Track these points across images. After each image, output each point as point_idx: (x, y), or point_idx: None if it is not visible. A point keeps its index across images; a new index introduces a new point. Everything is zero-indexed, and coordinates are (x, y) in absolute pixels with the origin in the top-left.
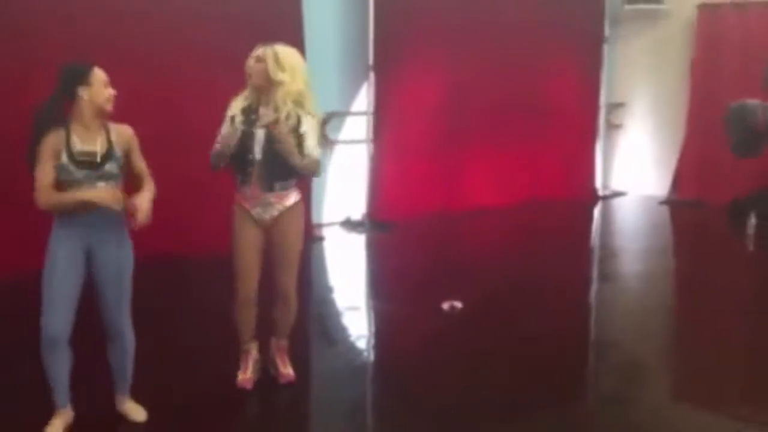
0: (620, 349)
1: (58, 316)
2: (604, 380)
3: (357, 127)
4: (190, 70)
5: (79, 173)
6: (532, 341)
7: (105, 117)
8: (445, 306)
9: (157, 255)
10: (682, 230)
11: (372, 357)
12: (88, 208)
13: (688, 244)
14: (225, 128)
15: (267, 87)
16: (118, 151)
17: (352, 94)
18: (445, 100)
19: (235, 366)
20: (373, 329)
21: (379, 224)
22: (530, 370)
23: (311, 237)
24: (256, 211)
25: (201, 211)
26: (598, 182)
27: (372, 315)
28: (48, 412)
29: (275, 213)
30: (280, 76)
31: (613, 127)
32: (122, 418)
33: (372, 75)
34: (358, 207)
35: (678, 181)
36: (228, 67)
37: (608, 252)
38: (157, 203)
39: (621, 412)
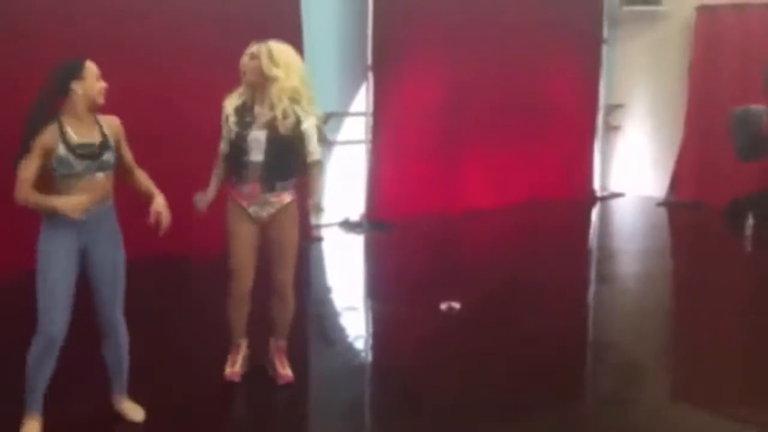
0: (619, 350)
1: (58, 317)
2: (603, 381)
3: (356, 127)
4: (190, 70)
5: (79, 165)
6: (530, 342)
7: (98, 109)
8: (443, 306)
9: (157, 255)
10: (680, 231)
11: (370, 357)
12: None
13: (686, 245)
14: (224, 129)
15: (261, 84)
16: (111, 142)
17: (350, 94)
18: (444, 101)
19: None
20: (371, 330)
21: (378, 225)
22: (528, 370)
23: (310, 237)
24: (253, 209)
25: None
26: (597, 183)
27: (370, 315)
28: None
29: (272, 210)
30: (275, 72)
31: (612, 128)
32: (119, 418)
33: (371, 75)
34: (356, 207)
35: (676, 182)
36: (227, 67)
37: (606, 253)
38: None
39: (619, 412)
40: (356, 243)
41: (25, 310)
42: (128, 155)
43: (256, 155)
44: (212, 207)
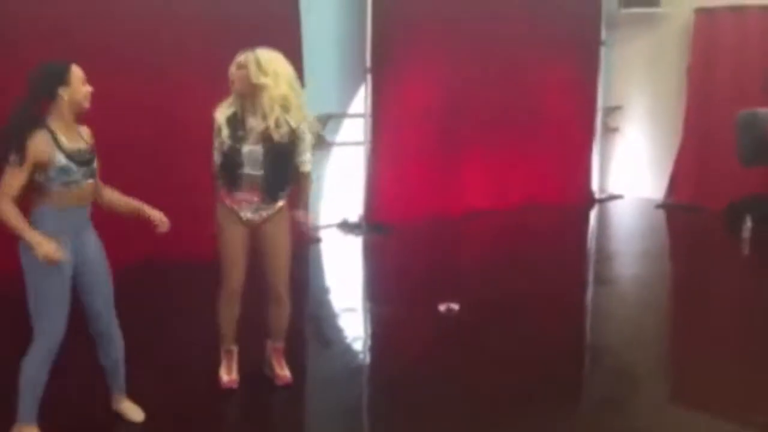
0: (617, 352)
1: (62, 323)
2: (601, 383)
3: (354, 129)
4: (187, 73)
5: (79, 172)
6: (528, 344)
7: (83, 115)
8: (442, 308)
9: (148, 260)
10: (678, 234)
11: (368, 359)
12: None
13: (684, 248)
14: (216, 141)
15: (251, 93)
16: (92, 148)
17: (349, 96)
18: (443, 103)
19: None
20: (369, 331)
21: (376, 226)
22: (526, 372)
23: (308, 239)
24: (245, 213)
25: (197, 215)
26: (595, 185)
27: (369, 317)
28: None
29: (264, 215)
30: (263, 80)
31: (610, 130)
32: (114, 421)
33: (369, 77)
34: (355, 209)
35: (674, 184)
36: (225, 71)
37: (604, 255)
38: (154, 207)
39: (617, 415)
40: (355, 244)
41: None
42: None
43: (252, 169)
44: (204, 212)
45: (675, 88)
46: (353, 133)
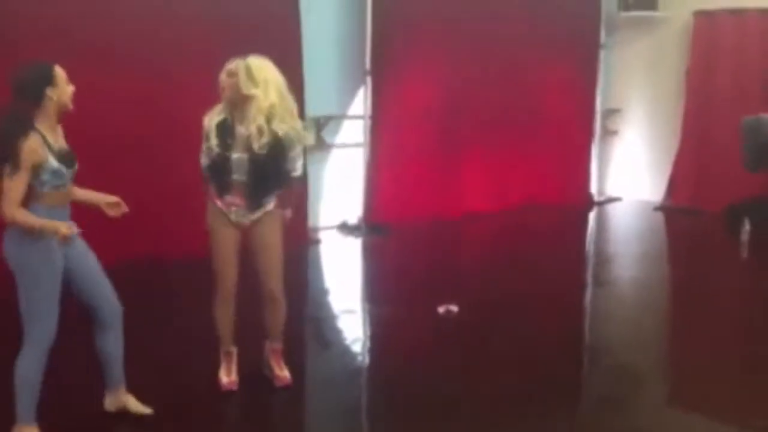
0: (615, 354)
1: (54, 324)
2: (600, 384)
3: (354, 130)
4: (187, 73)
5: (67, 174)
6: (528, 344)
7: (66, 115)
8: (441, 309)
9: (141, 258)
10: (677, 236)
11: (367, 360)
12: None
13: (683, 250)
14: (204, 158)
15: (241, 101)
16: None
17: (349, 97)
18: (442, 105)
19: None
20: (368, 332)
21: (376, 228)
22: (526, 372)
23: (307, 240)
24: (235, 215)
25: (197, 214)
26: (594, 187)
27: (368, 318)
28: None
29: (253, 217)
30: (252, 90)
31: (609, 132)
32: (118, 417)
33: (369, 79)
34: (354, 211)
35: (673, 186)
36: None
37: (603, 257)
38: (153, 206)
39: (617, 415)
40: (354, 246)
41: None
42: None
43: (238, 176)
44: (203, 211)
45: (674, 91)
46: (353, 134)
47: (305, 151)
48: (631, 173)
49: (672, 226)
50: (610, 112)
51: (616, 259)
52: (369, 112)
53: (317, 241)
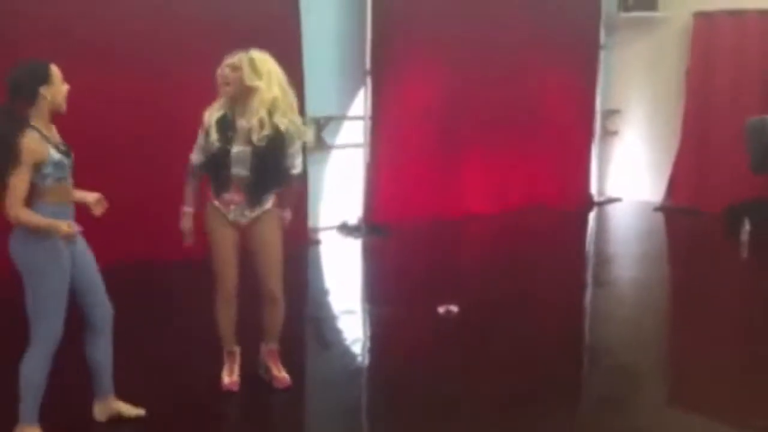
0: (615, 354)
1: (60, 325)
2: (600, 385)
3: (354, 131)
4: (187, 73)
5: (68, 164)
6: (527, 345)
7: (61, 115)
8: (441, 310)
9: (141, 260)
10: (677, 236)
11: (367, 361)
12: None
13: (683, 250)
14: (197, 153)
15: (244, 95)
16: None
17: (349, 98)
18: (442, 105)
19: None
20: (368, 333)
21: (376, 228)
22: (525, 374)
23: (307, 240)
24: (233, 214)
25: (197, 215)
26: (594, 188)
27: (368, 319)
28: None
29: (252, 217)
30: (257, 82)
31: (609, 133)
32: (116, 419)
33: (369, 79)
34: (354, 211)
35: (673, 187)
36: None
37: (603, 257)
38: (153, 207)
39: (617, 415)
40: (354, 246)
41: None
42: None
43: (240, 170)
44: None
45: (674, 92)
46: (353, 135)
47: (305, 150)
48: (631, 174)
49: (672, 226)
50: (610, 113)
51: (616, 260)
52: (369, 112)
53: (317, 242)
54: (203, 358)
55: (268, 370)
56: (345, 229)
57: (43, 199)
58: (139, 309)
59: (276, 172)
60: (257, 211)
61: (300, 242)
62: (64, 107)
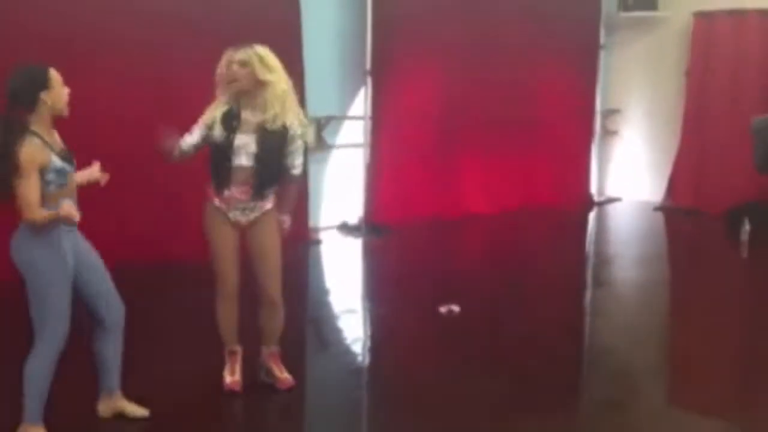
0: (615, 355)
1: (66, 325)
2: (599, 385)
3: (354, 131)
4: (187, 75)
5: (70, 171)
6: (528, 346)
7: (62, 117)
8: (443, 310)
9: (151, 259)
10: (677, 236)
11: (368, 360)
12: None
13: (683, 250)
14: (195, 133)
15: (253, 88)
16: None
17: (349, 98)
18: (442, 105)
19: None
20: (369, 332)
21: (376, 228)
22: (526, 375)
23: (307, 240)
24: (233, 214)
25: (199, 215)
26: (594, 188)
27: (368, 318)
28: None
29: (252, 216)
30: (268, 76)
31: (609, 133)
32: (119, 418)
33: (369, 80)
34: (354, 211)
35: (673, 187)
36: None
37: (603, 258)
38: (153, 207)
39: (617, 415)
40: (354, 246)
41: None
42: None
43: (241, 160)
44: (196, 211)
45: (674, 92)
46: (353, 135)
47: (306, 150)
48: (631, 173)
49: (672, 226)
50: (610, 113)
51: (616, 260)
52: (369, 112)
53: (317, 241)
54: (205, 357)
55: (270, 372)
56: (345, 228)
57: (47, 206)
58: (139, 309)
59: (278, 165)
60: (257, 211)
61: (300, 242)
62: (65, 111)
